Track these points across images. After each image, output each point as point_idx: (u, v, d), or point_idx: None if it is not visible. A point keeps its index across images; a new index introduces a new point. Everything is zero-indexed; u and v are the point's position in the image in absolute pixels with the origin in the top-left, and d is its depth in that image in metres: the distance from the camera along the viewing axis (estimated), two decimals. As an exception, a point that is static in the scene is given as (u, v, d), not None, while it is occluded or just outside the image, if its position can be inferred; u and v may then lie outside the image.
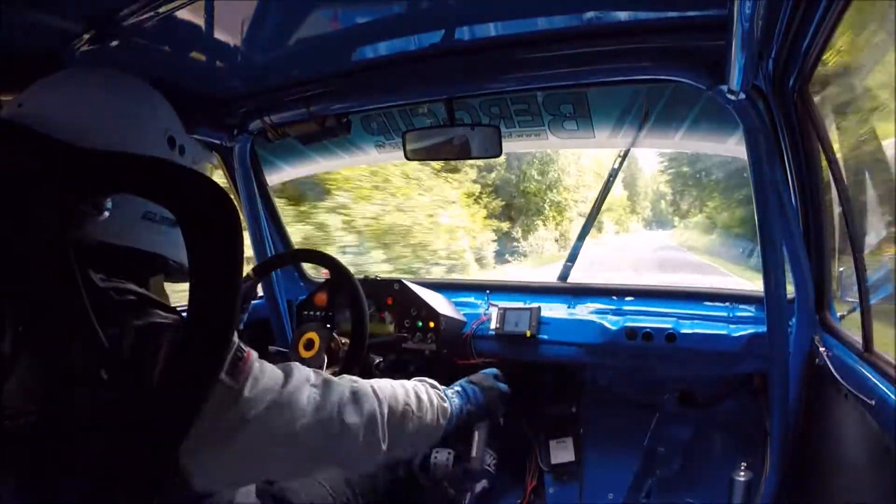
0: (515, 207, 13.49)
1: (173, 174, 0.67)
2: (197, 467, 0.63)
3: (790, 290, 1.25)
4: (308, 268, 2.11)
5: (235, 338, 0.66)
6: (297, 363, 0.76)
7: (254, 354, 0.70)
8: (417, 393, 0.89)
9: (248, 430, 0.65)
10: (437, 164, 8.13)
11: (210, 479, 0.66)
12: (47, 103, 0.72)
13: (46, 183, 0.61)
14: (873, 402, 0.89)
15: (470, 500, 1.46)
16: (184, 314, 0.65)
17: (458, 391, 1.03)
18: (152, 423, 0.59)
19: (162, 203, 0.66)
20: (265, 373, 0.70)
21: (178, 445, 0.59)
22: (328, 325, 1.62)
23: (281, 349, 1.36)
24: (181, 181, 0.65)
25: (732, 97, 1.05)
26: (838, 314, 1.27)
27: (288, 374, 0.72)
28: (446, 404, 0.95)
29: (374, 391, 0.81)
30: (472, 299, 1.83)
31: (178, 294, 0.90)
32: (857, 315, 1.09)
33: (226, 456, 0.65)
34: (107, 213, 0.71)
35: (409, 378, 0.96)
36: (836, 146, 1.13)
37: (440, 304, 1.66)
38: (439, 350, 1.59)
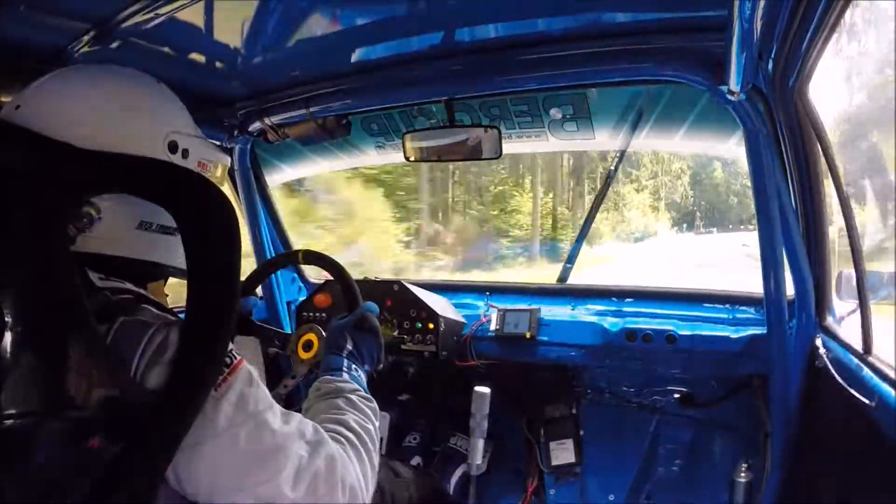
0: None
1: (172, 176, 0.67)
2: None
3: (790, 291, 1.25)
4: (307, 269, 2.11)
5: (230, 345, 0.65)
6: (300, 415, 0.71)
7: (245, 368, 0.67)
8: (365, 431, 0.80)
9: (216, 445, 0.62)
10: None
11: (182, 484, 0.63)
12: (44, 103, 0.71)
13: (44, 182, 0.61)
14: (874, 404, 0.89)
15: (452, 485, 1.46)
16: (180, 315, 0.65)
17: (354, 369, 0.93)
18: (147, 425, 0.59)
19: (160, 203, 0.66)
20: (254, 394, 0.65)
21: (173, 450, 0.59)
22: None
23: (280, 350, 1.35)
24: (179, 182, 0.65)
25: (732, 97, 1.05)
26: (838, 315, 1.27)
27: (286, 419, 0.67)
28: (372, 404, 0.86)
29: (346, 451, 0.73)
30: (471, 301, 1.82)
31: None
32: (857, 316, 1.09)
33: (192, 464, 0.61)
34: (98, 225, 0.70)
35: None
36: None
37: (440, 305, 1.66)
38: (438, 352, 1.58)
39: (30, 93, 0.72)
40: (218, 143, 1.62)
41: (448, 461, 1.72)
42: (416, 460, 1.70)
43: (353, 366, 0.93)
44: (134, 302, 0.69)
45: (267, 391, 0.69)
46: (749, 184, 1.18)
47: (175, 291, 0.90)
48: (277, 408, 0.68)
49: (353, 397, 0.84)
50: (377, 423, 0.84)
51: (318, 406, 0.83)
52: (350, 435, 0.76)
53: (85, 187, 0.65)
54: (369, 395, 0.87)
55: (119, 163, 0.66)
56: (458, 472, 1.68)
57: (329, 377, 0.88)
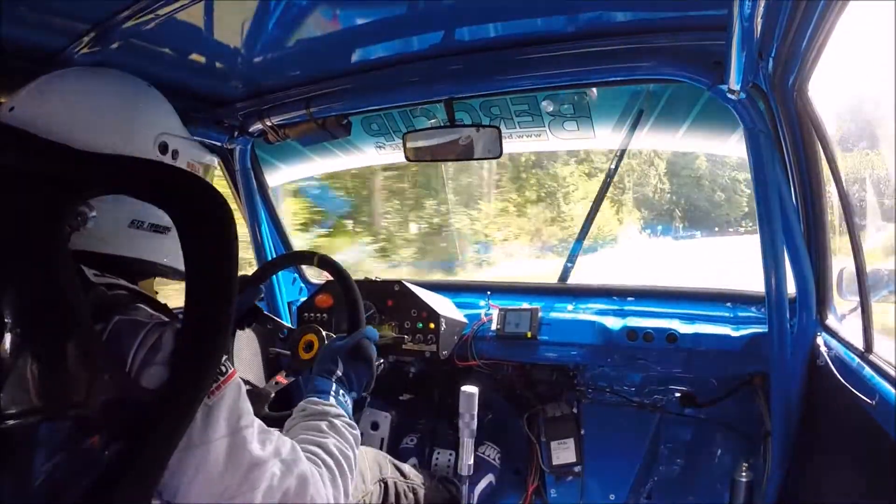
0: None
1: (169, 177, 0.67)
2: None
3: (791, 290, 1.25)
4: (308, 270, 2.11)
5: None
6: (279, 432, 0.73)
7: (237, 380, 0.68)
8: (344, 457, 0.80)
9: (201, 452, 0.63)
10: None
11: (163, 488, 0.63)
12: (38, 105, 0.72)
13: (43, 183, 0.61)
14: (874, 402, 0.89)
15: (477, 495, 1.45)
16: (177, 313, 0.66)
17: (342, 395, 0.94)
18: (146, 425, 0.59)
19: (158, 205, 0.66)
20: (242, 409, 0.67)
21: (170, 450, 0.59)
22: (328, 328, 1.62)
23: (281, 351, 1.35)
24: (177, 184, 0.65)
25: (733, 96, 1.05)
26: (839, 314, 1.27)
27: (266, 437, 0.69)
28: (355, 431, 0.87)
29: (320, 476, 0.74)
30: (472, 300, 1.82)
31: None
32: (857, 315, 1.09)
33: (176, 468, 0.62)
34: (91, 223, 0.70)
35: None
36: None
37: (441, 305, 1.66)
38: (439, 351, 1.58)
39: (24, 95, 0.73)
40: (218, 143, 1.62)
41: (476, 470, 1.69)
42: (412, 461, 1.69)
43: (341, 391, 0.94)
44: (129, 299, 0.69)
45: (251, 407, 0.70)
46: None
47: (176, 292, 0.90)
48: (259, 424, 0.70)
49: (338, 422, 0.85)
50: (357, 451, 0.85)
51: (301, 426, 0.84)
52: (328, 458, 0.77)
53: (84, 188, 0.66)
54: (353, 422, 0.88)
55: (117, 164, 0.67)
56: (485, 482, 1.67)
57: (317, 399, 0.89)
